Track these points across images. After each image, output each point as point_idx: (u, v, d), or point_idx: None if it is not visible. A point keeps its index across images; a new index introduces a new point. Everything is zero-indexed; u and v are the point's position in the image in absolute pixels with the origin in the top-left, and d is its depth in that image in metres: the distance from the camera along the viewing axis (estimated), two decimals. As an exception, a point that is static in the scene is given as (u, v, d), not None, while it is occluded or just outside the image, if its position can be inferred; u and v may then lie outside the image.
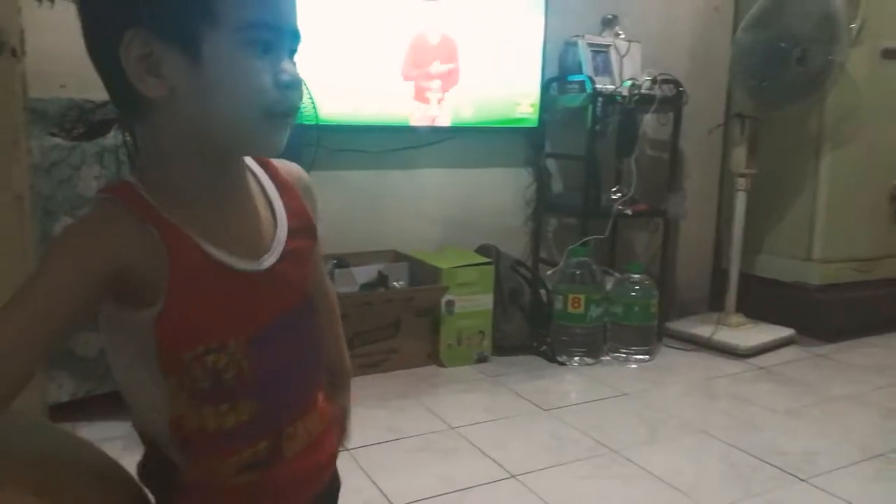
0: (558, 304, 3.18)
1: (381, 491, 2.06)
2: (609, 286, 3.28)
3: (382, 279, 3.03)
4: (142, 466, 0.74)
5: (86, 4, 0.67)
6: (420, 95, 3.03)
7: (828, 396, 2.90)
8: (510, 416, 2.61)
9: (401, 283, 3.07)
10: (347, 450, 2.28)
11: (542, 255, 3.56)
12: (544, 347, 3.19)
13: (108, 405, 2.29)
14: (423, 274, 3.07)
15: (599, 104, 3.17)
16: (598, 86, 3.18)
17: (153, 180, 0.69)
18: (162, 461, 0.71)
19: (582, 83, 3.22)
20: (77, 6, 0.67)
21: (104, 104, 0.72)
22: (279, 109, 0.68)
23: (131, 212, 0.65)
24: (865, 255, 3.65)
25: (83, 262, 0.62)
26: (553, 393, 2.84)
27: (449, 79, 3.07)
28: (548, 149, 3.48)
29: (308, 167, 2.44)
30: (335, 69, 2.82)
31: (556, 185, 3.56)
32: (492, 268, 3.10)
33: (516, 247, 3.48)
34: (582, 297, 3.12)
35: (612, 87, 3.25)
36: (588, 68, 3.24)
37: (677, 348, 3.42)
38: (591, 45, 3.30)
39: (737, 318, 3.55)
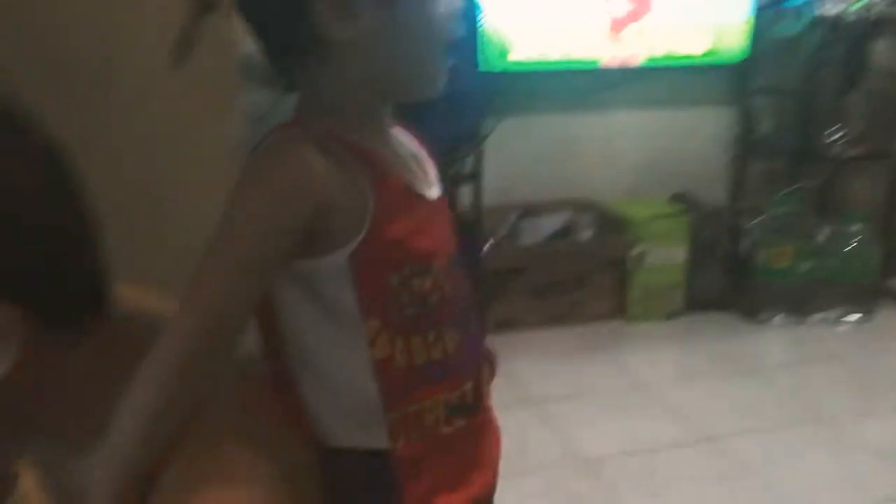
0: (761, 258, 2.93)
1: (568, 446, 2.04)
2: (821, 238, 2.96)
3: (569, 229, 2.95)
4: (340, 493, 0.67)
5: None
6: (611, 34, 2.86)
7: None
8: (704, 376, 2.47)
9: (588, 233, 2.97)
10: (533, 403, 2.29)
11: (744, 203, 3.29)
12: (742, 304, 2.97)
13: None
14: (612, 224, 2.95)
15: (821, 31, 2.81)
16: (820, 10, 2.81)
17: (321, 113, 0.66)
18: (359, 460, 0.67)
19: (800, 8, 2.87)
20: None
21: None
22: (450, 41, 0.67)
23: (319, 140, 0.62)
24: None
25: (286, 202, 0.59)
26: (752, 353, 2.65)
27: (642, 12, 2.87)
28: (756, 85, 3.16)
29: (496, 114, 2.41)
30: (523, 12, 2.73)
31: (764, 126, 3.24)
32: (687, 218, 2.91)
33: (715, 195, 3.23)
34: (790, 249, 2.85)
35: (838, 10, 2.85)
36: (809, -10, 2.87)
37: (902, 309, 3.04)
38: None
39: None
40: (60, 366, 0.56)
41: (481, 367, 0.74)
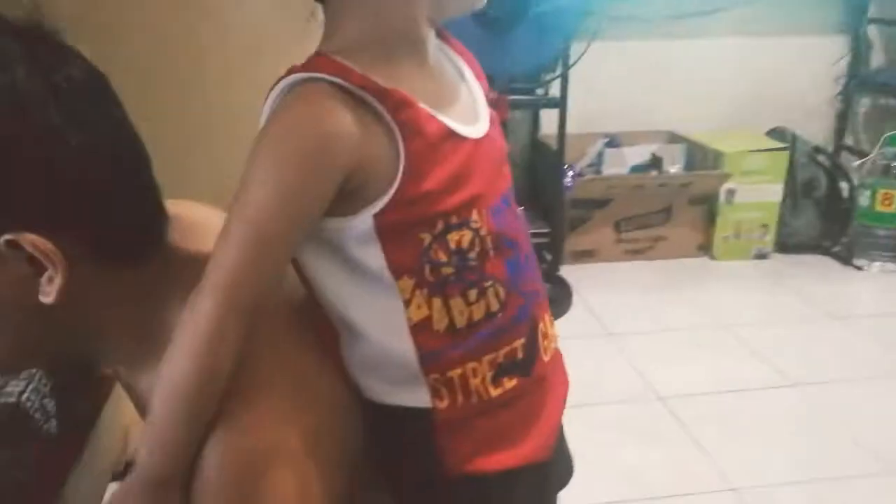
0: (864, 201, 2.74)
1: (646, 381, 1.99)
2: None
3: (656, 161, 2.82)
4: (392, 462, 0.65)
5: None
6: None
7: None
8: (792, 321, 2.35)
9: (676, 166, 2.84)
10: (610, 336, 2.23)
11: (848, 141, 3.07)
12: (838, 248, 2.80)
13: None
14: (702, 158, 2.80)
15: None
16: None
17: (348, 50, 0.58)
18: (405, 421, 0.62)
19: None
20: None
21: None
22: None
23: (346, 89, 0.55)
24: None
25: (315, 170, 0.55)
26: (846, 300, 2.50)
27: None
28: (872, 13, 2.90)
29: (585, 37, 2.29)
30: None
31: (877, 58, 2.99)
32: (785, 154, 2.73)
33: (817, 131, 3.02)
34: (896, 193, 2.66)
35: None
36: None
37: None
38: None
39: None
40: (118, 289, 0.56)
41: (537, 317, 0.67)
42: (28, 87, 0.49)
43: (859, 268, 2.74)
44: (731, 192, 2.74)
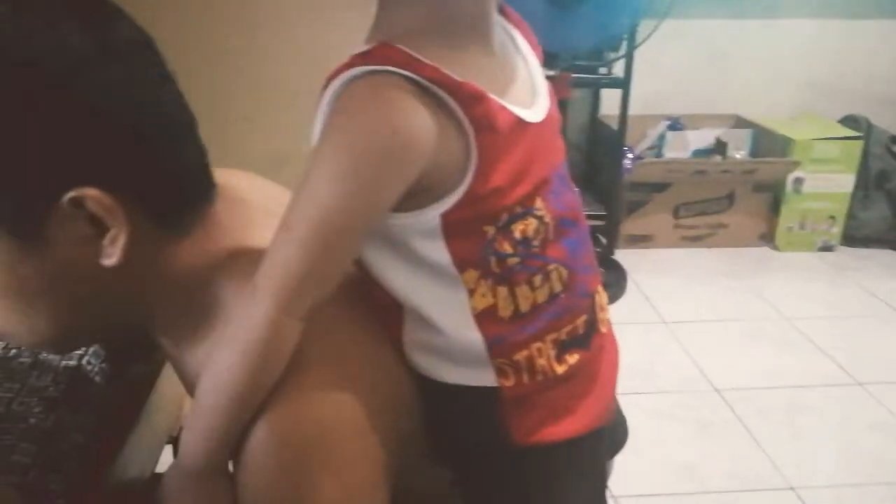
0: (941, 194, 2.61)
1: (701, 371, 1.93)
2: None
3: (720, 146, 2.73)
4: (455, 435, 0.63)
5: None
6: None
7: None
8: (858, 316, 2.26)
9: (741, 152, 2.74)
10: (665, 324, 2.18)
11: (927, 132, 2.92)
12: (911, 243, 2.68)
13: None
14: (769, 144, 2.70)
15: None
16: None
17: (409, 36, 0.54)
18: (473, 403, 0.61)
19: None
20: None
21: None
22: None
23: (417, 82, 0.52)
24: None
25: (390, 172, 0.52)
26: (917, 298, 2.39)
27: None
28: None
29: (653, 16, 2.21)
30: None
31: (963, 45, 2.83)
32: (859, 143, 2.62)
33: (894, 120, 2.89)
34: (977, 187, 2.52)
35: None
36: None
37: None
38: None
39: None
40: (168, 257, 0.55)
41: (594, 291, 0.65)
42: (79, 43, 0.48)
43: (932, 264, 2.62)
44: (798, 181, 2.63)
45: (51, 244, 0.50)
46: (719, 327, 2.17)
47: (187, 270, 0.56)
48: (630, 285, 2.38)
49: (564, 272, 0.61)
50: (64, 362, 0.73)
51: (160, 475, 0.91)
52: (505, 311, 0.58)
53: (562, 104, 0.66)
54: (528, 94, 0.60)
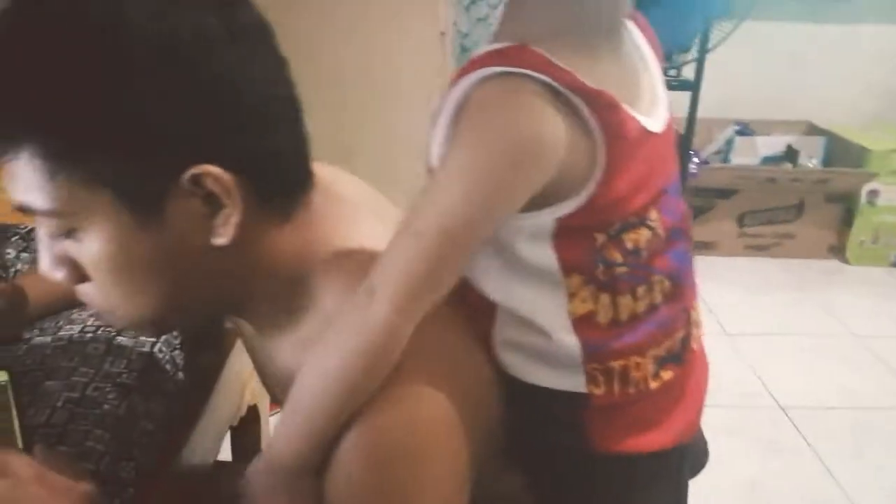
0: None
1: (765, 386, 1.86)
2: None
3: (791, 154, 2.64)
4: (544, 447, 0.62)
5: None
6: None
7: None
8: (933, 337, 2.16)
9: (813, 160, 2.64)
10: (727, 335, 2.11)
11: None
12: None
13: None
14: (842, 153, 2.60)
15: None
16: None
17: (541, 38, 0.52)
18: (558, 406, 0.60)
19: None
20: None
21: None
22: None
23: (552, 88, 0.50)
24: None
25: (526, 172, 0.51)
26: None
27: None
28: None
29: (725, 19, 2.14)
30: None
31: None
32: (940, 154, 2.50)
33: (978, 131, 2.75)
34: None
35: None
36: None
37: None
38: None
39: None
40: (269, 242, 0.55)
41: (691, 307, 0.63)
42: (210, 24, 0.49)
43: None
44: (873, 193, 2.53)
45: (166, 222, 0.50)
46: (784, 341, 2.10)
47: (285, 256, 0.55)
48: (691, 294, 2.32)
49: (668, 284, 0.59)
50: (138, 349, 0.74)
51: (222, 463, 0.90)
52: (604, 318, 0.57)
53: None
54: (649, 103, 0.58)
